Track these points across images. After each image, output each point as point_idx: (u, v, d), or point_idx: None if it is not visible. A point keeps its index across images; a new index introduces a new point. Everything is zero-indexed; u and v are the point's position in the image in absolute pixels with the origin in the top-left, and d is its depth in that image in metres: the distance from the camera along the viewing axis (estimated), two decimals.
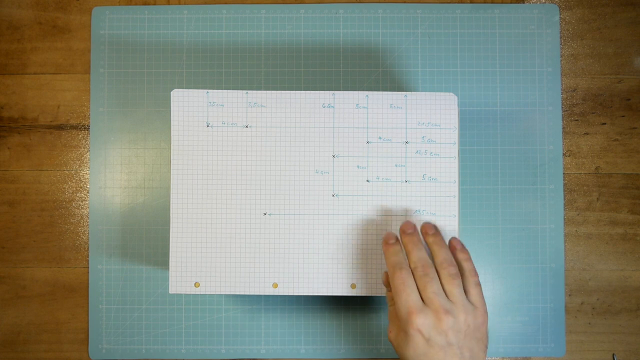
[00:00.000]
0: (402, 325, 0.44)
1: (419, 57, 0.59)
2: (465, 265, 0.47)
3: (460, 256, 0.47)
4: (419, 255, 0.46)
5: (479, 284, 0.46)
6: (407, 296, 0.44)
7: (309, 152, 0.50)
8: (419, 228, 0.49)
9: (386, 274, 0.48)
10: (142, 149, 0.59)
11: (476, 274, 0.47)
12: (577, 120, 0.59)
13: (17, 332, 0.59)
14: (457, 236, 0.50)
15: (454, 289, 0.45)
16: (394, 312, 0.47)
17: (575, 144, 0.59)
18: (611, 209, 0.59)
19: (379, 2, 0.60)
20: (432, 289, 0.44)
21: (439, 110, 0.50)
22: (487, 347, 0.46)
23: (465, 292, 0.46)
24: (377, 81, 0.59)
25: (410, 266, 0.46)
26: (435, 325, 0.43)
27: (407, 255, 0.47)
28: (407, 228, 0.48)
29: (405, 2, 0.60)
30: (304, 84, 0.59)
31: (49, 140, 0.59)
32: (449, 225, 0.50)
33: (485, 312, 0.46)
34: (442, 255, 0.46)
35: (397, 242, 0.48)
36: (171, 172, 0.50)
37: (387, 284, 0.49)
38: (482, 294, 0.46)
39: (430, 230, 0.48)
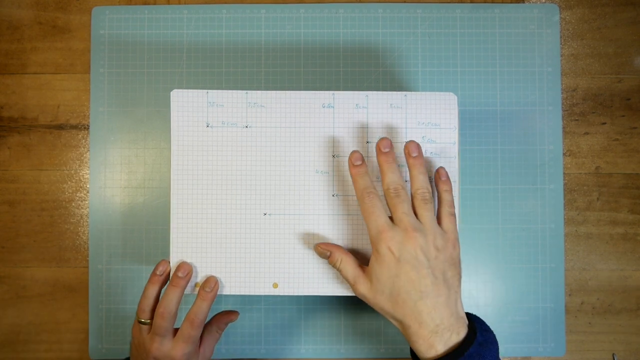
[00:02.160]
0: (373, 247, 0.45)
1: (419, 57, 0.59)
2: (445, 196, 0.48)
3: (442, 186, 0.48)
4: (392, 177, 0.46)
5: (453, 215, 0.47)
6: (377, 217, 0.45)
7: (309, 152, 0.50)
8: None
9: (319, 245, 0.49)
10: (142, 148, 0.59)
11: (453, 206, 0.47)
12: (577, 120, 0.59)
13: (17, 332, 0.59)
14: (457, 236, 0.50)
15: (425, 212, 0.45)
16: (349, 263, 0.47)
17: (575, 144, 0.59)
18: (611, 209, 0.59)
19: (379, 2, 0.60)
20: (403, 209, 0.45)
21: (439, 110, 0.50)
22: (461, 277, 0.46)
23: (439, 220, 0.47)
24: (377, 81, 0.59)
25: (382, 187, 0.46)
26: (404, 242, 0.44)
27: (381, 175, 0.47)
28: (384, 146, 0.47)
29: (405, 2, 0.60)
30: (304, 84, 0.59)
31: (49, 140, 0.59)
32: None
33: (457, 240, 0.46)
34: (419, 180, 0.46)
35: (364, 163, 0.47)
36: (171, 172, 0.50)
37: (323, 255, 0.48)
38: (456, 225, 0.47)
39: (414, 152, 0.47)
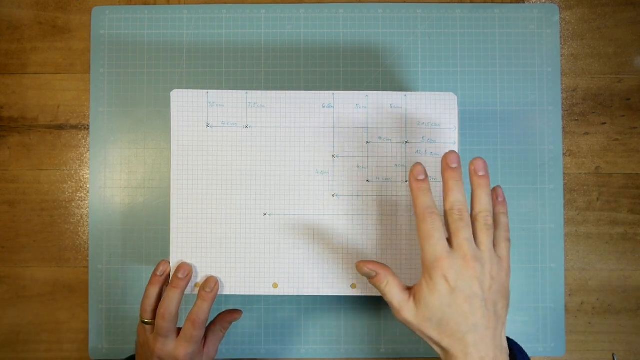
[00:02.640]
0: (426, 272, 0.42)
1: (419, 57, 0.59)
2: (502, 219, 0.45)
3: (499, 209, 0.46)
4: (458, 196, 0.43)
5: (509, 240, 0.45)
6: (436, 242, 0.42)
7: (308, 152, 0.50)
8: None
9: (362, 262, 0.45)
10: (142, 149, 0.59)
11: (508, 231, 0.45)
12: (577, 120, 0.59)
13: (17, 332, 0.59)
14: None
15: (486, 238, 0.43)
16: (395, 286, 0.44)
17: (575, 144, 0.59)
18: (611, 209, 0.59)
19: (379, 2, 0.60)
20: (465, 235, 0.42)
21: (439, 110, 0.50)
22: (509, 306, 0.44)
23: (494, 245, 0.44)
24: (377, 81, 0.59)
25: (445, 205, 0.44)
26: (461, 271, 0.41)
27: (445, 192, 0.44)
28: (452, 161, 0.44)
29: (405, 2, 0.60)
30: (304, 84, 0.59)
31: (49, 140, 0.59)
32: None
33: (509, 268, 0.44)
34: (484, 202, 0.43)
35: (426, 178, 0.44)
36: (171, 172, 0.50)
37: (368, 275, 0.45)
38: (509, 251, 0.44)
39: (480, 170, 0.44)
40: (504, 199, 0.47)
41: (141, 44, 0.59)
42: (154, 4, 0.60)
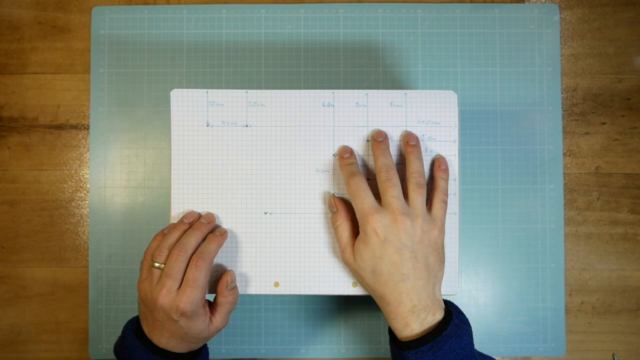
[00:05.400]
0: (360, 228, 0.46)
1: (419, 57, 0.59)
2: (440, 183, 0.48)
3: (439, 174, 0.49)
4: (384, 161, 0.47)
5: (445, 202, 0.48)
6: (363, 200, 0.46)
7: (309, 151, 0.50)
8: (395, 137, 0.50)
9: (332, 198, 0.49)
10: (142, 148, 0.59)
11: (446, 194, 0.48)
12: (577, 120, 0.60)
13: (17, 332, 0.59)
14: (457, 235, 0.50)
15: (417, 197, 0.46)
16: (346, 230, 0.48)
17: (576, 144, 0.59)
18: (611, 209, 0.59)
19: (379, 2, 0.60)
20: (393, 192, 0.46)
21: (438, 108, 0.50)
22: (443, 263, 0.47)
23: (430, 206, 0.47)
24: (377, 81, 0.59)
25: (375, 171, 0.48)
26: (390, 225, 0.45)
27: (375, 160, 0.48)
28: (378, 136, 0.49)
29: (405, 2, 0.60)
30: (304, 83, 0.59)
31: (48, 140, 0.59)
32: (450, 222, 0.50)
33: (443, 227, 0.47)
34: (415, 165, 0.47)
35: (352, 156, 0.49)
36: (171, 172, 0.50)
37: (330, 208, 0.49)
38: (445, 212, 0.48)
39: (412, 140, 0.49)
40: (447, 167, 0.49)
41: (141, 44, 0.59)
42: (154, 4, 0.60)
